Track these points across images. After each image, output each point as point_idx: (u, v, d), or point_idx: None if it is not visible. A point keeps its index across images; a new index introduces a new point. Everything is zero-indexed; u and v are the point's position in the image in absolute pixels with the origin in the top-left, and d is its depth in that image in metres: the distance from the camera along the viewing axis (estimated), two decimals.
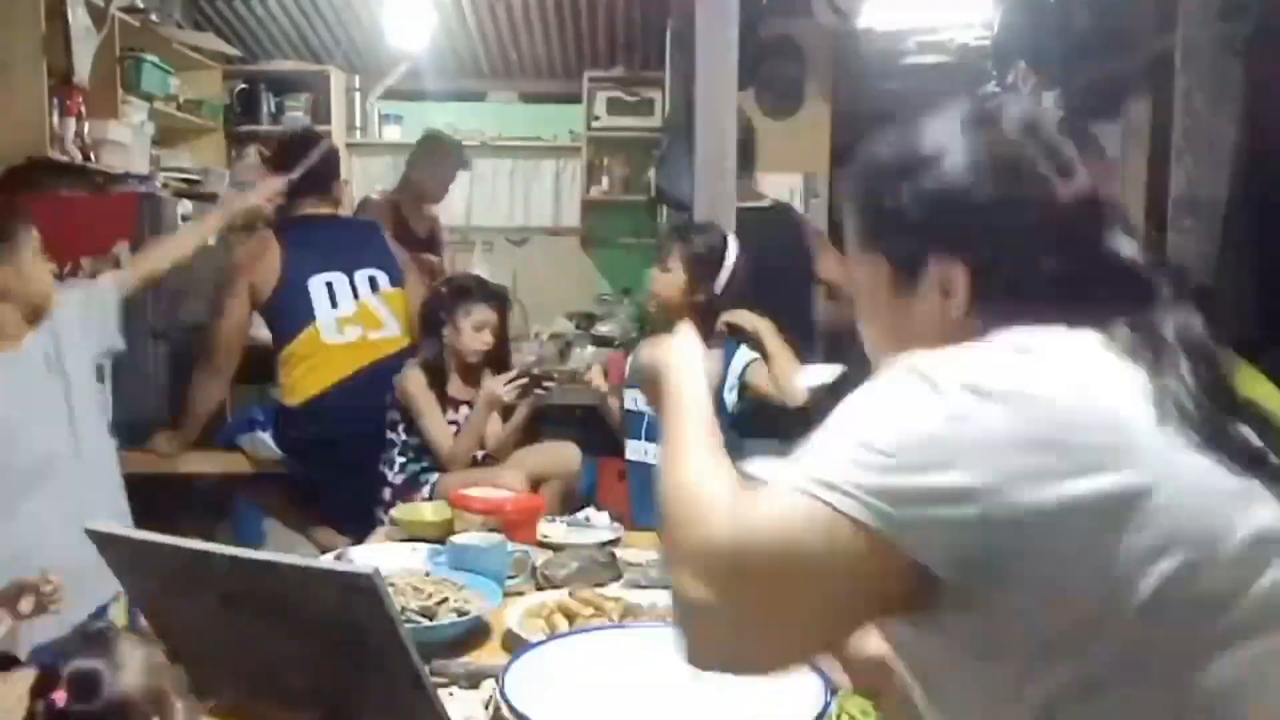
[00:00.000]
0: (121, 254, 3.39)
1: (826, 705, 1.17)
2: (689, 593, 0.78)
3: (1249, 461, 0.75)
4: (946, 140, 0.87)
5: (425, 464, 3.03)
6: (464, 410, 3.02)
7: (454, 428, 2.99)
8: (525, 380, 2.91)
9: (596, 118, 5.37)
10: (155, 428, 3.16)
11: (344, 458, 2.99)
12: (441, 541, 1.92)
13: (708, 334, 2.47)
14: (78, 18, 3.58)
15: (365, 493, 2.92)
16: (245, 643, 1.10)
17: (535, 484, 2.83)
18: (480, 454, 3.03)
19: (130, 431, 3.16)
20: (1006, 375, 0.76)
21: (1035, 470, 0.72)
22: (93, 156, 3.73)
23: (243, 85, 5.32)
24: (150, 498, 3.13)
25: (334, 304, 3.07)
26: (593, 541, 2.03)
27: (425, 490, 2.95)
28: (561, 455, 3.04)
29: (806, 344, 2.80)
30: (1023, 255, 0.84)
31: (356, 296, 3.10)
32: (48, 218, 3.08)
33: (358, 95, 5.58)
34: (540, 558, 1.88)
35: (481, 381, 3.02)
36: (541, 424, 3.32)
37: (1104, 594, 0.72)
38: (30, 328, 2.29)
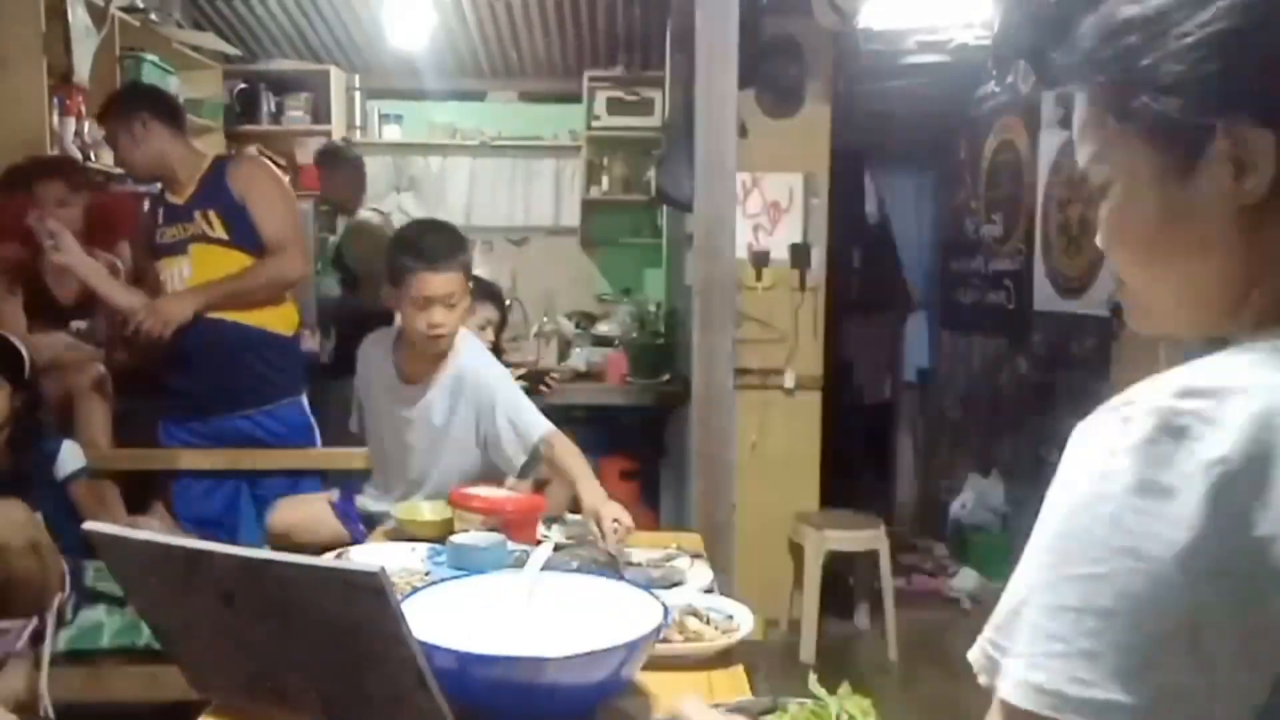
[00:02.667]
0: (121, 252, 3.39)
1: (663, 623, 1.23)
2: None
3: None
4: None
5: None
6: None
7: None
8: (524, 377, 2.93)
9: (596, 117, 5.38)
10: None
11: None
12: (441, 541, 1.92)
13: None
14: (78, 17, 3.58)
15: None
16: (246, 642, 1.10)
17: (538, 487, 2.84)
18: None
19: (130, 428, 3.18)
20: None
21: None
22: (93, 156, 3.73)
23: (243, 85, 5.32)
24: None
25: None
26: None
27: None
28: None
29: None
30: None
31: None
32: None
33: (358, 95, 5.59)
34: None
35: None
36: None
37: None
38: None
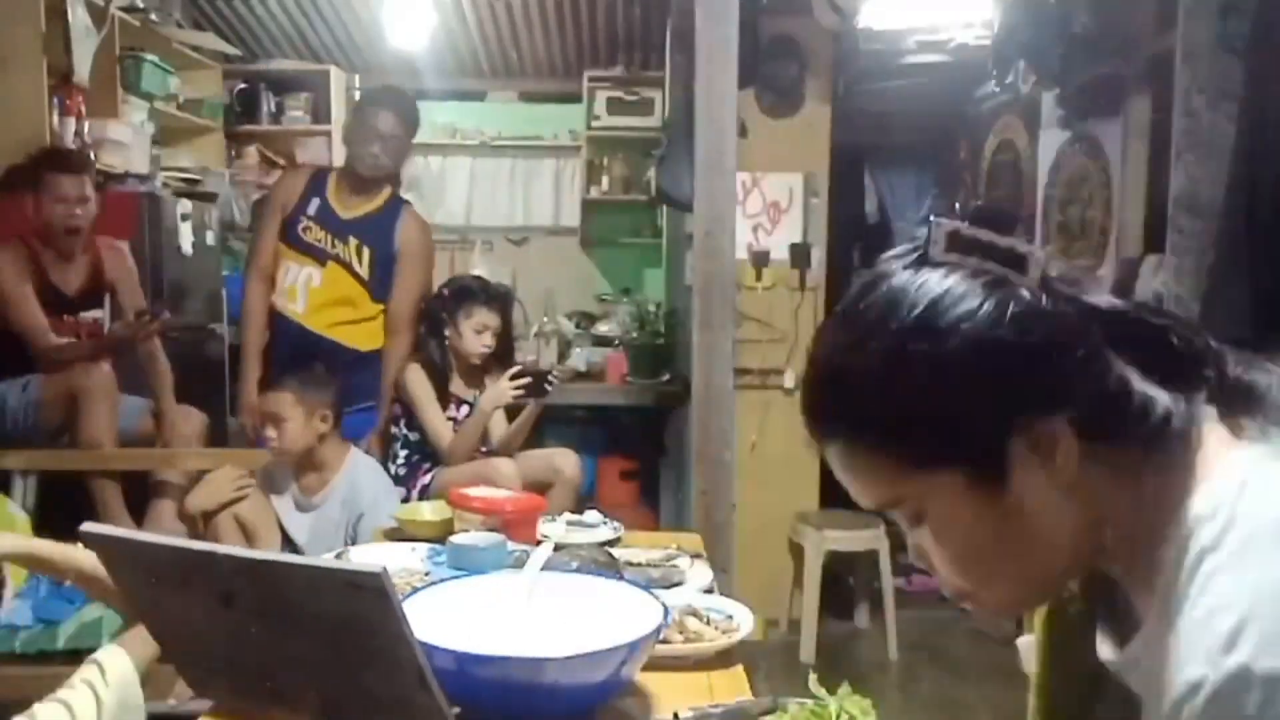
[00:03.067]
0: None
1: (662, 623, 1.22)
2: None
3: None
4: (955, 306, 0.71)
5: (424, 457, 3.06)
6: (465, 409, 3.05)
7: (454, 424, 3.02)
8: (529, 380, 2.92)
9: (596, 117, 5.37)
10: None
11: None
12: (441, 541, 1.92)
13: None
14: (78, 17, 3.58)
15: None
16: (246, 643, 1.10)
17: (540, 490, 2.85)
18: (484, 450, 3.06)
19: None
20: None
21: None
22: (93, 156, 3.73)
23: (242, 85, 5.32)
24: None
25: None
26: (592, 541, 2.03)
27: (426, 478, 2.98)
28: (561, 462, 3.04)
29: None
30: (1096, 368, 0.71)
31: None
32: None
33: (358, 95, 5.58)
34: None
35: (485, 380, 3.06)
36: (543, 423, 3.32)
37: None
38: None
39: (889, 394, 0.71)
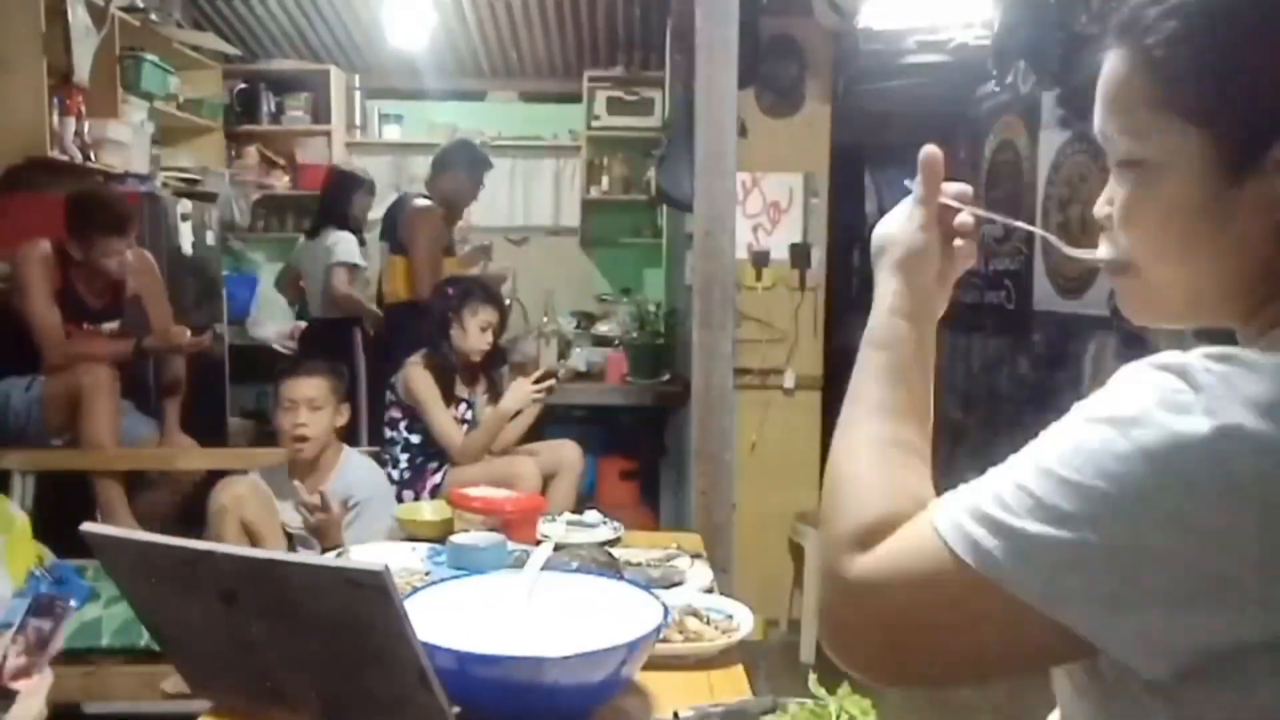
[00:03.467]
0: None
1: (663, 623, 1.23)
2: (827, 598, 0.71)
3: None
4: None
5: (428, 458, 3.06)
6: (463, 407, 3.06)
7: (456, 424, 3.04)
8: (551, 382, 2.99)
9: (596, 117, 5.37)
10: None
11: None
12: (441, 541, 1.92)
13: None
14: (78, 17, 3.58)
15: None
16: (246, 642, 1.10)
17: (544, 480, 2.86)
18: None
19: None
20: None
21: None
22: (92, 156, 3.74)
23: (242, 85, 5.32)
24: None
25: None
26: (592, 541, 2.03)
27: (437, 478, 2.98)
28: (566, 452, 3.09)
29: None
30: None
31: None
32: (48, 217, 3.12)
33: (358, 94, 5.58)
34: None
35: (480, 378, 3.09)
36: (543, 423, 3.35)
37: None
38: None
39: (1212, 33, 0.67)
